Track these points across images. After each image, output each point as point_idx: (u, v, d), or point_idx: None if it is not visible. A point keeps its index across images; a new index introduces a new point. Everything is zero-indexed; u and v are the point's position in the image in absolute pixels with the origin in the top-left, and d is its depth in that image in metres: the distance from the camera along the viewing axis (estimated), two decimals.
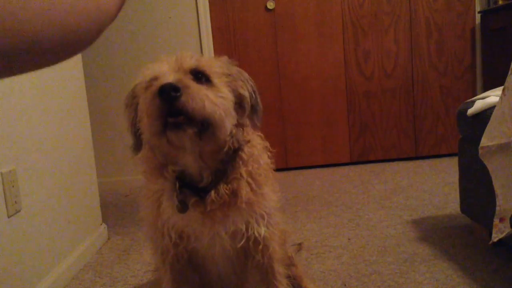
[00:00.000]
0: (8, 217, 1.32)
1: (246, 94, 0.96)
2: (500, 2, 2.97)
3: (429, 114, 3.27)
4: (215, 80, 0.91)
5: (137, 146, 0.99)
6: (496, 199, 1.26)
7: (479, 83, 3.23)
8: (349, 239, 1.84)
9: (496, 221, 1.27)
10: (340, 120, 3.27)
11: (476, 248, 1.63)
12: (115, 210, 2.58)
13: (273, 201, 1.06)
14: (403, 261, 1.58)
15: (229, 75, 0.95)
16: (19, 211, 1.38)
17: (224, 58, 0.99)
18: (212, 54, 3.12)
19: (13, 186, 1.35)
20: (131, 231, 2.17)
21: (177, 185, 0.96)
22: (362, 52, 3.21)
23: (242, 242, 1.02)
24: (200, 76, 0.90)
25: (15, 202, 1.36)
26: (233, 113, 0.93)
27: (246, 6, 3.15)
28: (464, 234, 1.77)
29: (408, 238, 1.78)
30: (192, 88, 0.84)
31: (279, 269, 1.12)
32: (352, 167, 3.19)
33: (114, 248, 1.97)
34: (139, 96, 0.94)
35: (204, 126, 0.85)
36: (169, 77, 0.86)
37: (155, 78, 0.89)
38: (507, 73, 1.21)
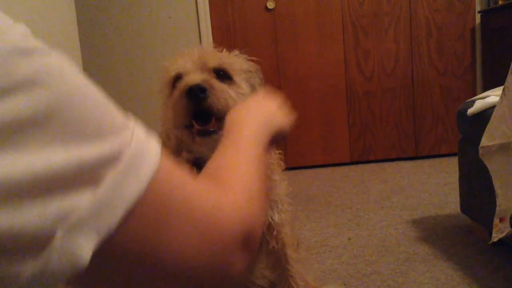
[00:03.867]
0: None
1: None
2: (500, 2, 2.97)
3: (429, 114, 3.26)
4: (236, 78, 0.98)
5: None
6: (496, 199, 1.26)
7: (479, 83, 3.23)
8: (349, 239, 1.84)
9: (496, 221, 1.27)
10: (340, 120, 3.27)
11: (476, 248, 1.63)
12: None
13: (283, 188, 1.12)
14: (403, 261, 1.58)
15: (248, 71, 1.02)
16: None
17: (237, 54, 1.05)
18: None
19: None
20: None
21: (195, 171, 1.01)
22: (362, 52, 3.21)
23: None
24: (222, 74, 0.96)
25: None
26: None
27: (246, 6, 3.15)
28: (464, 234, 1.77)
29: (408, 238, 1.79)
30: (217, 88, 0.89)
31: (292, 254, 1.16)
32: (352, 167, 3.19)
33: None
34: (163, 90, 0.98)
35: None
36: (196, 77, 0.90)
37: (179, 76, 0.94)
38: (507, 73, 1.21)
